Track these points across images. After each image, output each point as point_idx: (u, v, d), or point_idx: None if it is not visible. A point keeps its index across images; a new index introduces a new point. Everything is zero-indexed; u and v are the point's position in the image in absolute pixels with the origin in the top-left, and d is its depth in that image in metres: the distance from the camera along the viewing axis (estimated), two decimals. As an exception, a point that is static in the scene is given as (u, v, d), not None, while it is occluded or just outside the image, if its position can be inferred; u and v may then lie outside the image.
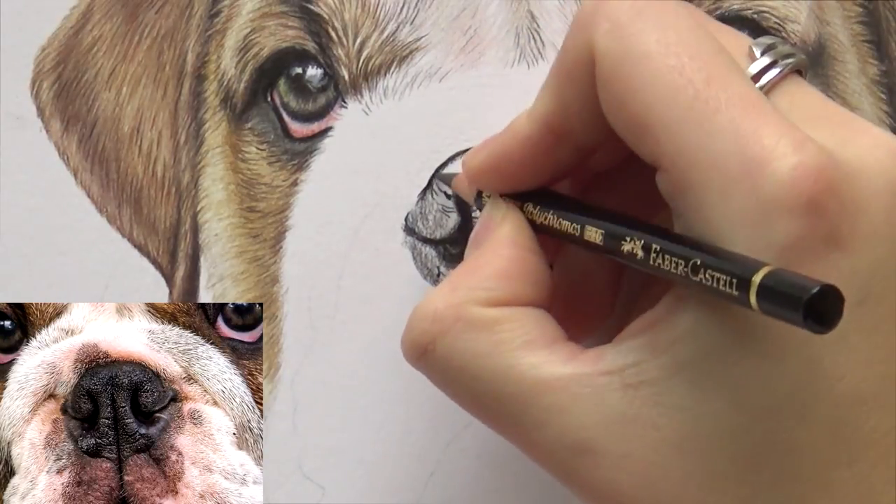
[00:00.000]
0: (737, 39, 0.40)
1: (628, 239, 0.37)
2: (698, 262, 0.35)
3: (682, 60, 0.37)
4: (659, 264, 0.36)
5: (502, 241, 0.41)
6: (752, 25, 0.48)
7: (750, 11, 0.48)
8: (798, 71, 0.39)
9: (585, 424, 0.37)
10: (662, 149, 0.37)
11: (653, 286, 0.41)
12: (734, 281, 0.33)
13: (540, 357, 0.38)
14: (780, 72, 0.39)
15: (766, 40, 0.40)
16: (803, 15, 0.48)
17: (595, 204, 0.42)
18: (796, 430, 0.36)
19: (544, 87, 0.40)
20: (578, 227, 0.40)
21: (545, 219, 0.41)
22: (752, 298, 0.32)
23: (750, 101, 0.36)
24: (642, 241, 0.37)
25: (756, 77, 0.39)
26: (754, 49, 0.39)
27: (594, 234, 0.39)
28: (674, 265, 0.36)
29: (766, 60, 0.39)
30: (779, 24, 0.48)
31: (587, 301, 0.43)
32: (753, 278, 0.32)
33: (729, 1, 0.48)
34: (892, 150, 0.37)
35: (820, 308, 0.31)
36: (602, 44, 0.38)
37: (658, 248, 0.36)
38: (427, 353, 0.40)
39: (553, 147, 0.41)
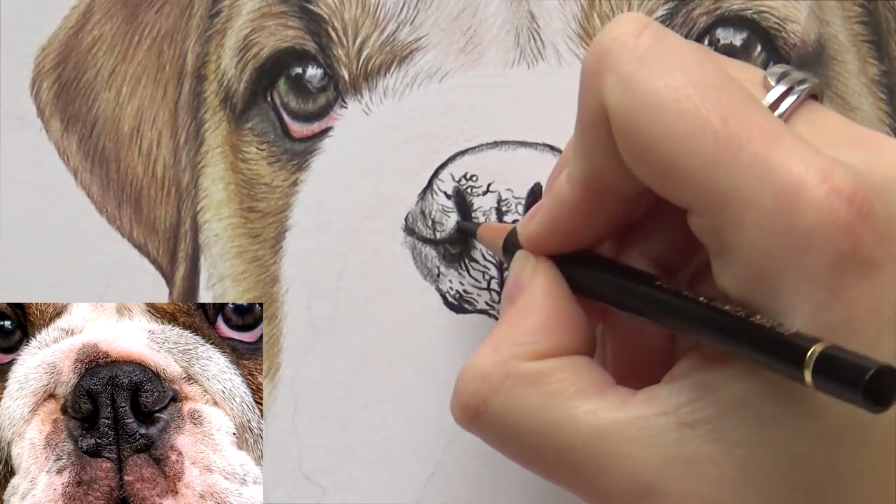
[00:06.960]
0: (748, 72, 0.40)
1: (678, 315, 0.38)
2: (752, 342, 0.35)
3: (694, 102, 0.36)
4: (713, 339, 0.36)
5: (538, 294, 0.41)
6: (751, 25, 0.48)
7: (750, 11, 0.48)
8: (814, 95, 0.39)
9: (646, 467, 0.37)
10: (691, 194, 0.36)
11: None
12: (789, 361, 0.33)
13: (593, 404, 0.38)
14: (797, 98, 0.39)
15: (778, 69, 0.39)
16: (803, 15, 0.48)
17: (635, 268, 0.41)
18: (857, 455, 0.36)
19: (574, 146, 0.40)
20: (625, 297, 0.40)
21: (588, 284, 0.41)
22: (808, 377, 0.33)
23: (771, 132, 0.36)
24: (693, 320, 0.37)
25: (773, 106, 0.39)
26: (769, 78, 0.39)
27: (641, 306, 0.39)
28: (727, 345, 0.36)
29: (781, 88, 0.39)
30: (779, 24, 0.48)
31: (645, 354, 0.42)
32: (807, 358, 0.33)
33: (729, 1, 0.48)
34: None
35: (876, 387, 0.31)
36: (612, 99, 0.37)
37: (711, 327, 0.36)
38: (480, 415, 0.39)
39: (597, 205, 0.40)
